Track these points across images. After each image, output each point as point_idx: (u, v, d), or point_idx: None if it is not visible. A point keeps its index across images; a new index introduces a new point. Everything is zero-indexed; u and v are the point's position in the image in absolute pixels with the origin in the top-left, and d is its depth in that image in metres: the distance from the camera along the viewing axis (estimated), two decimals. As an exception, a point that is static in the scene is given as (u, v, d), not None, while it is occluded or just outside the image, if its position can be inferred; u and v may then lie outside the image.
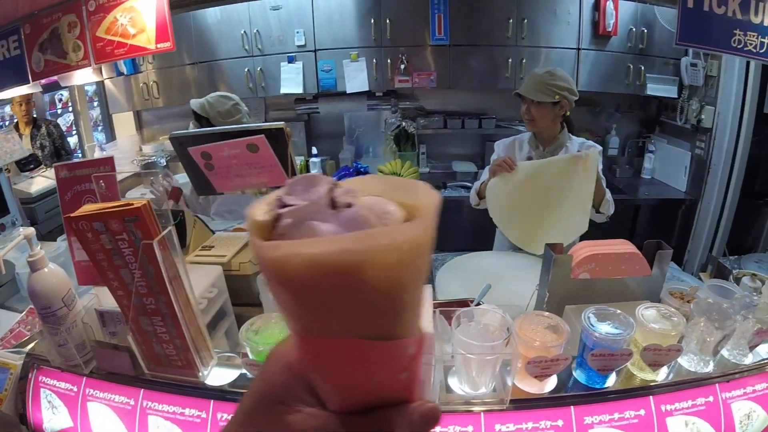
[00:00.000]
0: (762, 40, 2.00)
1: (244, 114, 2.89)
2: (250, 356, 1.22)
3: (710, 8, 1.91)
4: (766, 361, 1.43)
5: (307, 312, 0.34)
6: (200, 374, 1.30)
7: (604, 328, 1.26)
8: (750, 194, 4.05)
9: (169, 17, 2.57)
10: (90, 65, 2.74)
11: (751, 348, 1.40)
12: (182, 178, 2.53)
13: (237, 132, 1.73)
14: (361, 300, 0.32)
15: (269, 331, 1.23)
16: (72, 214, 1.06)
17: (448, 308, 1.30)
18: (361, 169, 4.32)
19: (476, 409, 1.22)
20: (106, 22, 2.64)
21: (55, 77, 3.03)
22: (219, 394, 1.30)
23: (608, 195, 2.62)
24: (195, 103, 2.80)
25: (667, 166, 4.57)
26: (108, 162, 1.56)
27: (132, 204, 1.06)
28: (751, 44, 2.00)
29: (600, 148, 2.61)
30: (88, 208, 1.08)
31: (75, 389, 1.42)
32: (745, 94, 3.75)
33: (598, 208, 2.59)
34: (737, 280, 1.97)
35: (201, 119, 2.80)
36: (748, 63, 3.62)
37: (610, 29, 4.07)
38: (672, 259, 2.58)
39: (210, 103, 2.76)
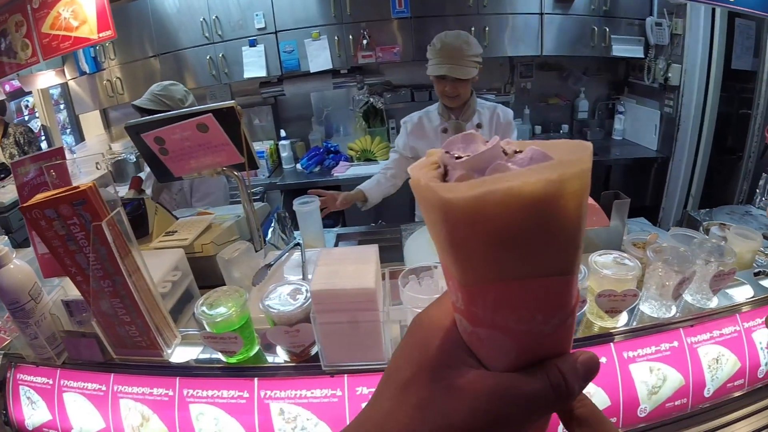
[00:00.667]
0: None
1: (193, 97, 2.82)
2: (208, 329, 1.21)
3: None
4: (732, 305, 1.43)
5: (498, 255, 0.33)
6: (164, 353, 1.30)
7: None
8: (721, 150, 4.06)
9: (108, 6, 2.53)
10: (39, 61, 2.71)
11: (715, 292, 1.39)
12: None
13: (190, 115, 1.69)
14: (554, 233, 0.32)
15: (224, 303, 1.22)
16: (24, 204, 1.08)
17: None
18: (332, 149, 4.30)
19: None
20: (50, 17, 2.62)
21: (18, 84, 2.99)
22: (184, 370, 1.30)
23: None
24: (144, 101, 2.67)
25: (637, 126, 4.59)
26: (59, 152, 1.55)
27: (78, 187, 1.07)
28: None
29: (512, 112, 2.65)
30: (39, 197, 1.09)
31: (51, 382, 1.42)
32: (711, 51, 3.74)
33: None
34: (706, 231, 1.97)
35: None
36: (713, 19, 3.61)
37: (572, -8, 4.02)
38: (647, 217, 2.61)
39: (164, 95, 2.67)
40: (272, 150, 4.32)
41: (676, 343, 1.34)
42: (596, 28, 4.17)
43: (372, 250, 1.22)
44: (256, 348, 1.29)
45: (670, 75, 3.97)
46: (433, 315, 0.42)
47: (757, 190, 3.15)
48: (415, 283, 1.22)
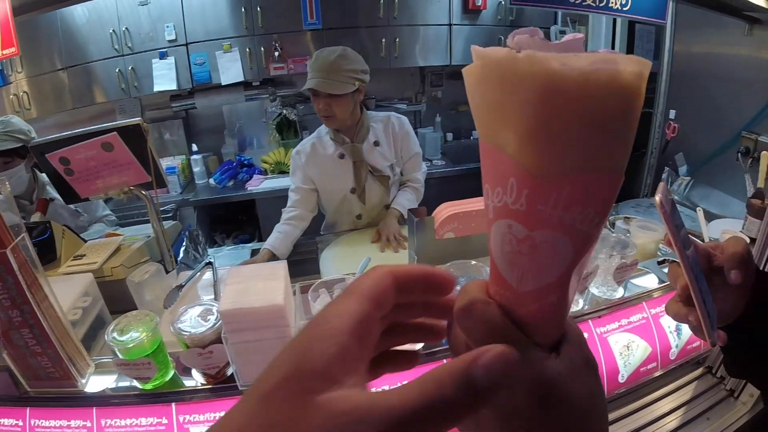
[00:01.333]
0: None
1: None
2: (120, 356, 1.17)
3: None
4: (638, 294, 1.52)
5: (592, 142, 0.31)
6: (79, 383, 1.24)
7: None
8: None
9: (12, 22, 2.41)
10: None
11: (619, 283, 1.47)
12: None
13: (96, 133, 1.64)
14: (632, 126, 0.32)
15: (136, 328, 1.18)
16: None
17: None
18: (245, 162, 4.23)
19: None
20: (-51, 34, 2.46)
21: None
22: (100, 400, 1.25)
23: (410, 203, 2.56)
24: (10, 143, 2.48)
25: (544, 129, 4.75)
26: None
27: None
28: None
29: (406, 119, 2.59)
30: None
31: (-31, 422, 1.34)
32: (612, 56, 3.94)
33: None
34: (612, 224, 2.08)
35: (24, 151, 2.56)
36: (614, 25, 3.82)
37: (479, 4, 4.17)
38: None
39: (11, 130, 2.49)
40: (184, 165, 4.20)
41: (586, 335, 1.40)
42: (503, 38, 4.30)
43: (281, 266, 1.21)
44: (172, 372, 1.26)
45: (574, 80, 4.15)
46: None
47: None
48: (326, 296, 1.22)
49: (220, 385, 1.21)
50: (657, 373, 1.52)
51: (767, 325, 0.72)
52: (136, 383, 1.22)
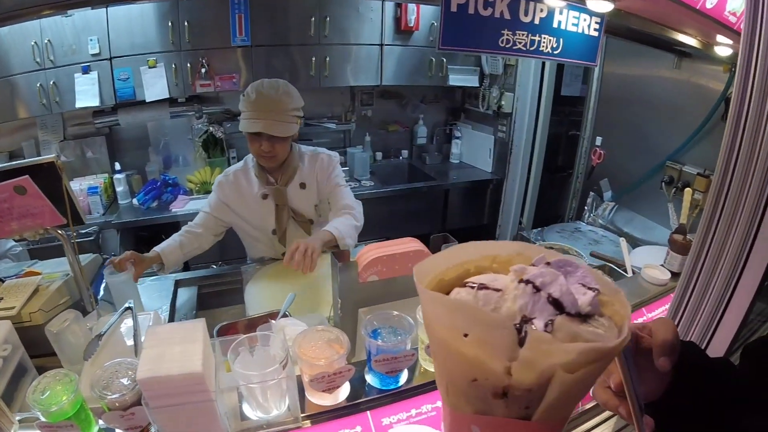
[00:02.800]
0: (532, 37, 2.11)
1: None
2: (42, 419, 1.13)
3: (476, 11, 1.95)
4: None
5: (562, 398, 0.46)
6: None
7: (387, 333, 1.28)
8: (553, 168, 4.47)
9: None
10: None
11: None
12: None
13: (12, 171, 1.57)
14: (587, 387, 0.48)
15: (56, 389, 1.15)
16: None
17: (229, 337, 1.26)
18: (170, 181, 4.11)
19: (273, 431, 1.21)
20: None
21: None
22: None
23: (339, 232, 2.21)
24: None
25: (473, 150, 4.93)
26: None
27: None
28: (520, 42, 2.10)
29: (335, 154, 2.53)
30: None
31: None
32: (542, 80, 4.10)
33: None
34: None
35: None
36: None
37: (411, 24, 4.22)
38: (486, 236, 2.73)
39: None
40: (107, 184, 4.03)
41: None
42: (434, 59, 4.41)
43: (199, 326, 1.18)
44: (96, 429, 1.23)
45: (503, 103, 4.32)
46: None
47: (586, 207, 3.45)
48: (246, 354, 1.21)
49: None
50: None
51: (690, 400, 0.74)
52: None
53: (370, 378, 1.36)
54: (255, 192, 2.38)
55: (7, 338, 1.44)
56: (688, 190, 2.22)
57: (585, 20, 2.22)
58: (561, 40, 2.19)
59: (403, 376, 1.36)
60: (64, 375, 1.19)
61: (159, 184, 4.07)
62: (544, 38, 2.15)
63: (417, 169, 4.95)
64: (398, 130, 5.05)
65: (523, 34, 2.10)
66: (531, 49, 2.15)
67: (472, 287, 0.54)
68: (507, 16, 2.03)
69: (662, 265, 2.17)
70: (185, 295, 2.43)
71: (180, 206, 3.92)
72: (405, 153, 5.13)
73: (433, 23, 4.31)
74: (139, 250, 2.15)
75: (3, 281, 1.85)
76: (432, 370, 1.39)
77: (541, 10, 2.08)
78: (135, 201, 4.03)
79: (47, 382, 1.17)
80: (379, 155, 5.00)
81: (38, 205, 1.60)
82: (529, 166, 4.42)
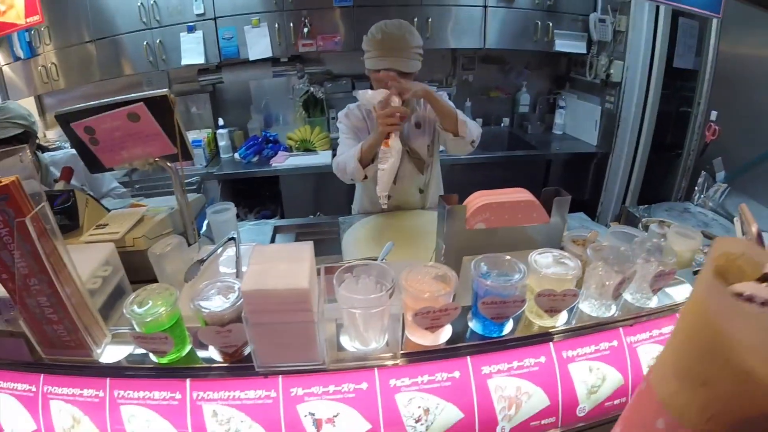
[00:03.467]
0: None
1: None
2: (137, 329, 1.16)
3: None
4: (671, 304, 1.44)
5: None
6: (94, 353, 1.24)
7: (496, 276, 1.22)
8: (661, 147, 4.17)
9: (37, -10, 2.38)
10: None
11: (655, 291, 1.39)
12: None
13: (122, 103, 1.61)
14: None
15: (154, 301, 1.18)
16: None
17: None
18: (271, 138, 4.20)
19: (369, 364, 1.19)
20: (-26, 2, 2.44)
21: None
22: (114, 371, 1.23)
23: (461, 115, 2.24)
24: (11, 129, 2.43)
25: (577, 121, 4.68)
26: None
27: (0, 181, 1.02)
28: None
29: (444, 94, 2.39)
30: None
31: (-15, 384, 1.35)
32: (654, 49, 3.83)
33: (455, 132, 2.22)
34: (645, 227, 1.97)
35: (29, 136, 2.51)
36: (656, 17, 3.69)
37: (518, -15, 4.04)
38: (586, 212, 2.61)
39: (12, 116, 2.44)
40: (210, 139, 4.19)
41: (615, 343, 1.34)
42: (539, 23, 4.21)
43: (306, 247, 1.17)
44: (188, 347, 1.24)
45: (612, 71, 4.04)
46: None
47: (696, 188, 3.22)
48: (351, 281, 1.18)
49: (236, 364, 1.19)
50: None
51: None
52: (151, 356, 1.22)
53: (473, 323, 1.30)
54: (371, 119, 2.40)
55: (109, 260, 1.50)
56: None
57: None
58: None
59: (508, 326, 1.29)
60: (164, 288, 1.21)
61: (260, 140, 4.18)
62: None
63: (518, 138, 4.79)
64: (500, 96, 4.91)
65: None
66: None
67: None
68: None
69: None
70: (282, 241, 2.47)
71: (280, 161, 3.99)
72: (506, 121, 4.98)
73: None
74: (236, 202, 2.19)
75: (109, 210, 1.92)
76: (539, 323, 1.32)
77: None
78: (236, 155, 4.16)
79: (146, 294, 1.20)
80: (479, 121, 4.83)
81: (150, 133, 1.64)
82: (637, 142, 4.14)
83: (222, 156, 4.23)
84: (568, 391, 1.27)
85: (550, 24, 4.22)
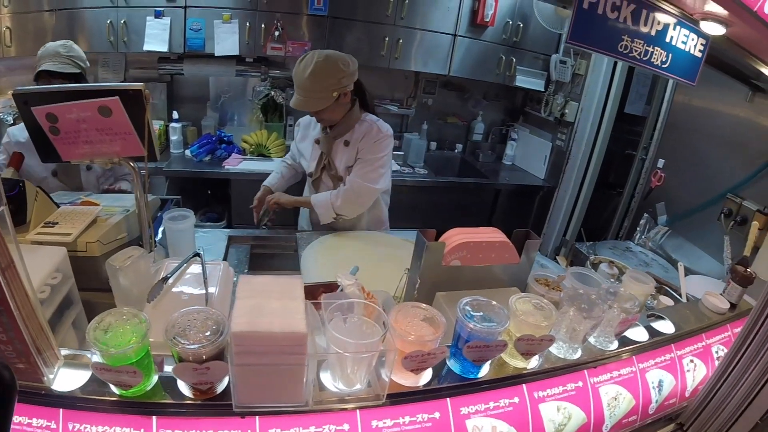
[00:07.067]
0: (647, 48, 2.08)
1: None
2: (100, 360, 1.01)
3: (604, 12, 1.94)
4: (630, 347, 1.55)
5: None
6: (45, 378, 1.07)
7: (479, 320, 1.23)
8: (604, 184, 4.40)
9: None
10: None
11: (617, 335, 1.49)
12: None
13: (89, 91, 1.48)
14: None
15: (121, 329, 1.04)
16: None
17: (316, 300, 1.20)
18: (225, 138, 4.10)
19: (351, 406, 1.15)
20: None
21: None
22: (68, 401, 1.07)
23: (332, 197, 2.49)
24: (57, 65, 2.35)
25: (527, 154, 4.88)
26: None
27: None
28: (636, 51, 2.07)
29: (390, 133, 2.53)
30: None
31: None
32: (608, 94, 4.03)
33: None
34: (594, 266, 2.06)
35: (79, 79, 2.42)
36: (614, 65, 3.90)
37: (488, 19, 4.15)
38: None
39: (75, 56, 2.40)
40: (161, 131, 4.05)
41: (580, 383, 1.43)
42: (504, 57, 4.35)
43: (297, 283, 1.12)
44: (155, 380, 1.11)
45: (566, 111, 4.23)
46: None
47: (638, 228, 3.40)
48: (339, 320, 1.14)
49: (210, 402, 1.08)
50: (636, 425, 1.56)
51: None
52: (113, 387, 1.08)
53: (452, 363, 1.30)
54: (315, 135, 2.60)
55: (59, 266, 1.38)
56: (755, 222, 2.19)
57: (693, 40, 2.18)
58: (670, 55, 2.16)
59: (485, 367, 1.31)
60: (132, 315, 1.07)
61: (214, 139, 4.07)
62: (656, 50, 2.11)
63: (469, 165, 4.90)
64: (456, 122, 5.02)
65: (640, 43, 2.07)
66: (644, 59, 2.12)
67: None
68: (629, 22, 2.01)
69: (722, 294, 2.12)
70: (236, 253, 2.39)
71: (233, 164, 3.90)
72: (459, 147, 5.10)
73: (508, 21, 4.25)
74: (185, 201, 2.15)
75: (58, 206, 1.79)
76: (513, 364, 1.35)
77: (659, 23, 2.06)
78: (188, 152, 4.04)
79: (112, 319, 1.06)
80: (433, 145, 4.98)
81: (120, 131, 1.53)
82: (583, 179, 4.33)
83: (172, 151, 4.09)
84: (538, 429, 1.32)
85: (514, 59, 4.36)
